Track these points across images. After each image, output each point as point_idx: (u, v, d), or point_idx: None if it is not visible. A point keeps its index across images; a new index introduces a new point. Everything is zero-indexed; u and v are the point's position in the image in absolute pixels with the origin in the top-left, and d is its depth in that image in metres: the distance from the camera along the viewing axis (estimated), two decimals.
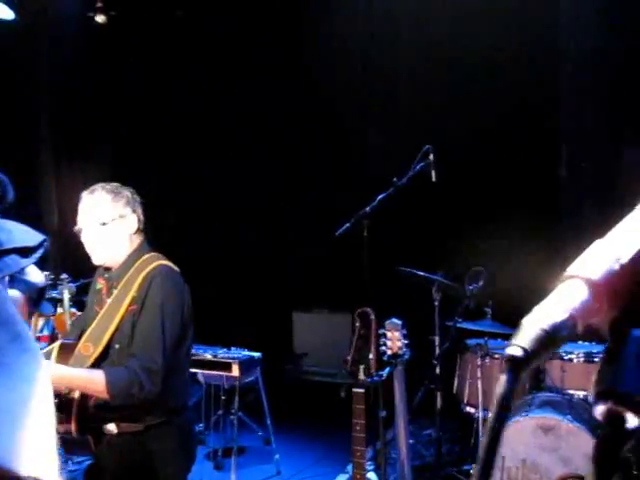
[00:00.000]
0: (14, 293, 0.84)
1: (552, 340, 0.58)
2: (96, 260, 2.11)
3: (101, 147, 6.14)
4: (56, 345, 2.10)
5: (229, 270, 5.43)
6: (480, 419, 3.22)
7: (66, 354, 2.04)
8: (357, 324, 2.10)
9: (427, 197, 3.94)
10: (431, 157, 3.15)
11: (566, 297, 0.61)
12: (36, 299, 0.87)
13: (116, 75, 5.88)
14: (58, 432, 1.87)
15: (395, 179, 3.26)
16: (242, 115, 5.46)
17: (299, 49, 5.33)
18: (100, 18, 6.15)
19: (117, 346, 1.97)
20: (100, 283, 2.17)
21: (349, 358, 2.15)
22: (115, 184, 2.15)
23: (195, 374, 3.82)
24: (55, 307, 3.57)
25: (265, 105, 5.31)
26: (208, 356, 3.67)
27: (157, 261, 2.07)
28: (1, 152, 5.67)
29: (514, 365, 0.57)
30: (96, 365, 1.95)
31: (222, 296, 5.29)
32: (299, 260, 5.22)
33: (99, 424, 1.98)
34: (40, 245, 0.77)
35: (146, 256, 2.09)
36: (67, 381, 1.86)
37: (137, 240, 2.13)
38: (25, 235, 0.75)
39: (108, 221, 2.05)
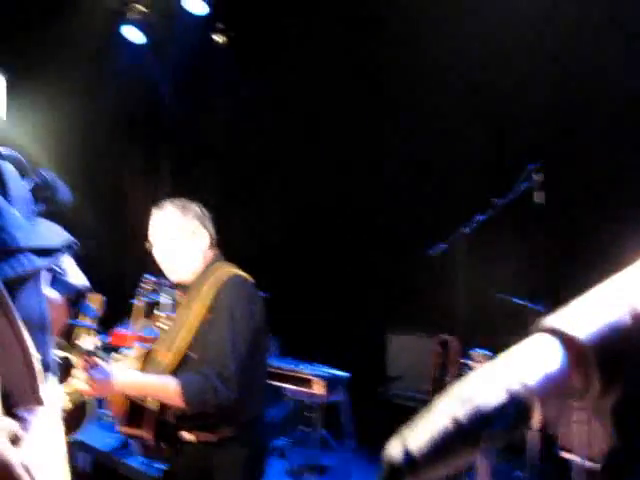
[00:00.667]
0: (53, 294, 0.82)
1: (469, 440, 0.37)
2: (171, 276, 2.14)
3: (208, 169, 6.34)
4: (135, 350, 2.14)
5: (325, 289, 5.39)
6: (575, 468, 2.90)
7: (145, 360, 2.08)
8: (437, 352, 1.96)
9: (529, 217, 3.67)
10: (536, 177, 2.93)
11: (525, 362, 0.39)
12: (75, 301, 0.86)
13: (232, 92, 6.03)
14: (133, 436, 1.89)
15: (495, 199, 3.08)
16: (336, 133, 5.37)
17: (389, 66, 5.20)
18: (220, 38, 6.43)
19: (193, 355, 1.97)
20: (179, 294, 2.21)
21: (430, 389, 2.02)
22: (183, 200, 2.17)
23: (282, 389, 3.81)
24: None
25: (354, 123, 5.21)
26: (294, 372, 3.64)
27: (232, 271, 2.07)
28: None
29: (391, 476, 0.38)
30: (173, 372, 1.95)
31: (318, 314, 5.25)
32: (395, 280, 5.07)
33: (176, 431, 1.98)
34: (66, 247, 0.74)
35: (221, 266, 2.10)
36: (140, 387, 1.88)
37: (210, 254, 2.15)
38: (48, 235, 0.73)
39: (178, 236, 2.08)
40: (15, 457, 0.66)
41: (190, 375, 1.88)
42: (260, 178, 5.95)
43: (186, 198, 2.16)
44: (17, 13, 5.01)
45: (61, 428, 0.89)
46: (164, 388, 1.86)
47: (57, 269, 0.84)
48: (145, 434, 1.94)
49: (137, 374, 1.93)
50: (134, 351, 2.15)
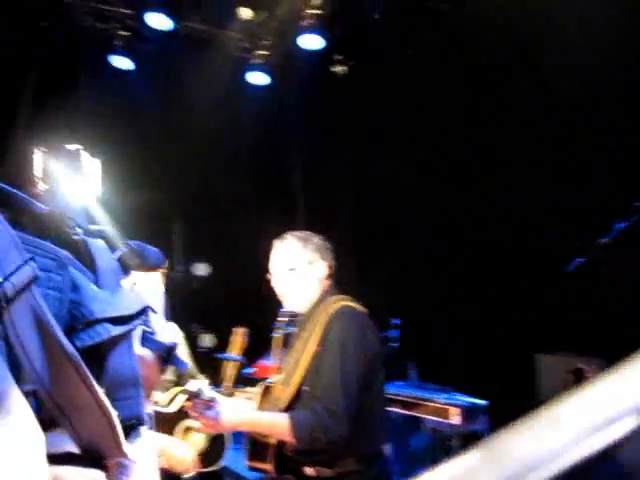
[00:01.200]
0: (145, 352, 0.88)
1: None
2: (287, 305, 2.18)
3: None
4: (260, 386, 2.18)
5: (460, 312, 5.18)
6: None
7: (267, 395, 2.11)
8: (568, 382, 1.78)
9: None
10: None
11: None
12: (165, 357, 0.91)
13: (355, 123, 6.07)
14: (257, 469, 1.92)
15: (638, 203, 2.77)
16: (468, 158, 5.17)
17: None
18: (340, 69, 6.55)
19: (306, 388, 1.96)
20: (294, 327, 2.24)
21: None
22: (306, 232, 2.21)
23: (420, 418, 3.70)
24: None
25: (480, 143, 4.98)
26: (430, 400, 3.52)
27: (341, 302, 2.05)
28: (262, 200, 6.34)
29: None
30: (289, 407, 1.96)
31: (458, 339, 5.05)
32: (535, 299, 4.74)
33: (297, 466, 1.98)
34: (139, 313, 0.81)
35: (333, 298, 2.09)
36: (251, 424, 1.90)
37: (326, 284, 2.16)
38: (126, 304, 0.81)
39: (297, 267, 2.11)
40: None
41: (301, 412, 1.87)
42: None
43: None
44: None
45: (156, 477, 0.93)
46: (274, 425, 1.87)
47: (147, 329, 0.89)
48: (267, 467, 1.96)
49: (248, 412, 1.95)
50: (257, 387, 2.21)
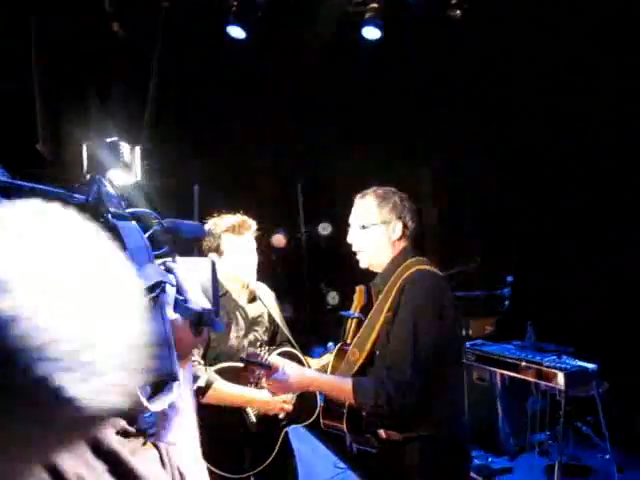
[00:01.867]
0: (176, 317, 0.99)
1: None
2: (361, 263, 2.16)
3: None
4: (336, 348, 2.25)
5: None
6: None
7: (341, 358, 2.18)
8: None
9: None
10: None
11: None
12: (197, 321, 1.01)
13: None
14: (332, 427, 2.05)
15: None
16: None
17: None
18: (455, 12, 6.25)
19: (378, 353, 2.00)
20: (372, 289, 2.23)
21: None
22: (388, 189, 2.16)
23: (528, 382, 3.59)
24: None
25: None
26: (536, 364, 3.39)
27: (416, 266, 2.01)
28: None
29: None
30: (361, 372, 2.01)
31: (582, 299, 4.75)
32: None
33: (370, 428, 2.04)
34: (156, 285, 0.89)
35: (409, 261, 2.05)
36: (317, 386, 1.98)
37: (401, 246, 2.11)
38: (150, 275, 0.89)
39: (369, 225, 2.09)
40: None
41: (365, 379, 1.91)
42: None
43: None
44: None
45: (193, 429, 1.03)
46: (339, 389, 1.92)
47: (179, 297, 0.97)
48: (341, 426, 2.04)
49: (314, 374, 2.01)
50: (334, 347, 2.28)
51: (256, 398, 2.54)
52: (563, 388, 3.18)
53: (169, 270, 0.98)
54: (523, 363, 3.53)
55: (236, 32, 5.69)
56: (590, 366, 3.35)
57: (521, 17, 4.84)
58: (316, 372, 2.04)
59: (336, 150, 6.44)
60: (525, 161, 5.40)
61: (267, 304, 2.88)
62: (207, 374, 2.46)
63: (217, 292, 1.09)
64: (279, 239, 7.26)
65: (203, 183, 6.51)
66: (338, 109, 6.21)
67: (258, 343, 2.82)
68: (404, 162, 6.41)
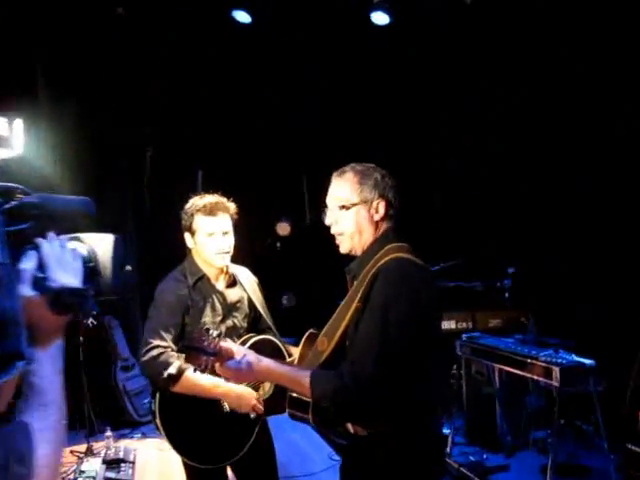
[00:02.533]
0: (31, 293, 0.93)
1: None
2: (341, 248, 2.01)
3: None
4: (306, 334, 2.14)
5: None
6: None
7: (309, 345, 2.06)
8: None
9: None
10: None
11: None
12: (56, 301, 0.95)
13: None
14: (299, 418, 1.94)
15: None
16: None
17: None
18: None
19: (347, 344, 1.88)
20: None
21: None
22: (368, 165, 2.01)
23: (524, 377, 3.45)
24: None
25: None
26: (533, 358, 3.25)
27: (395, 253, 1.84)
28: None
29: None
30: (329, 362, 1.90)
31: (584, 292, 4.59)
32: None
33: (337, 420, 1.92)
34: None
35: (388, 247, 1.89)
36: (275, 377, 1.86)
37: (383, 227, 1.96)
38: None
39: (349, 205, 1.94)
40: None
41: (326, 372, 1.77)
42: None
43: None
44: None
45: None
46: (297, 382, 1.79)
47: (38, 274, 0.93)
48: (307, 416, 1.92)
49: (271, 365, 1.87)
50: (307, 334, 2.17)
51: (229, 392, 2.45)
52: (558, 384, 3.03)
53: (35, 247, 0.94)
54: (518, 357, 3.39)
55: (242, 17, 5.57)
56: (587, 362, 3.20)
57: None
58: (274, 362, 1.87)
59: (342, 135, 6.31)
60: (533, 149, 5.23)
61: (247, 289, 2.79)
62: (179, 361, 2.37)
63: (117, 269, 1.00)
64: (284, 227, 7.16)
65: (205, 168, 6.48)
66: (345, 95, 6.07)
67: (239, 330, 2.73)
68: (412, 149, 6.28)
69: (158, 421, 2.43)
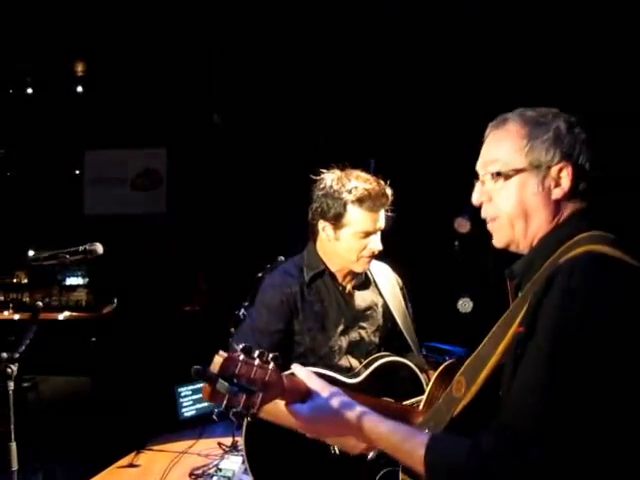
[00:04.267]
0: None
1: None
2: (495, 239, 1.28)
3: None
4: (441, 367, 1.44)
5: None
6: None
7: (443, 384, 1.37)
8: None
9: None
10: None
11: None
12: None
13: None
14: None
15: None
16: None
17: None
18: None
19: (501, 392, 1.15)
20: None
21: None
22: (546, 109, 1.25)
23: None
24: None
25: None
26: None
27: (588, 245, 1.08)
28: None
29: None
30: (466, 419, 1.18)
31: None
32: None
33: None
34: None
35: (579, 237, 1.12)
36: (372, 437, 1.14)
37: (568, 209, 1.21)
38: None
39: (509, 171, 1.21)
40: None
41: (451, 439, 1.06)
42: None
43: None
44: None
45: None
46: (402, 450, 1.07)
47: None
48: None
49: (370, 419, 1.13)
50: (442, 367, 1.47)
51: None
52: None
53: None
54: None
55: None
56: None
57: None
58: (373, 414, 1.14)
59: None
60: None
61: (385, 293, 2.13)
62: None
63: None
64: (463, 224, 6.36)
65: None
66: None
67: (367, 346, 2.09)
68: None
69: (243, 449, 1.87)
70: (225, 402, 1.02)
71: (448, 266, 5.75)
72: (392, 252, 2.15)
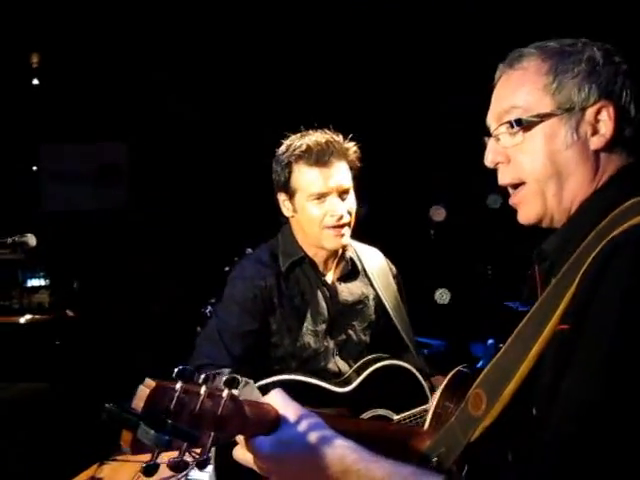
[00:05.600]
0: None
1: None
2: (520, 214, 1.04)
3: None
4: (450, 375, 1.20)
5: None
6: None
7: (454, 397, 1.12)
8: None
9: None
10: None
11: None
12: None
13: None
14: None
15: None
16: None
17: None
18: None
19: (534, 410, 0.91)
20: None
21: None
22: (574, 40, 1.00)
23: None
24: None
25: None
26: None
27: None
28: None
29: None
30: (488, 446, 0.94)
31: None
32: None
33: None
34: None
35: (630, 203, 0.88)
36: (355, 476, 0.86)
37: (612, 165, 0.96)
38: None
39: (533, 118, 0.96)
40: None
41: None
42: None
43: None
44: None
45: None
46: None
47: None
48: None
49: (356, 452, 0.84)
50: (450, 376, 1.22)
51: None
52: None
53: None
54: None
55: None
56: None
57: None
58: (365, 452, 0.84)
59: None
60: None
61: (376, 283, 1.85)
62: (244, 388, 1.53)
63: None
64: (439, 212, 6.21)
65: None
66: None
67: (357, 347, 1.84)
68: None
69: (212, 460, 1.60)
70: (154, 457, 0.73)
71: (424, 256, 5.57)
72: (366, 242, 1.93)
